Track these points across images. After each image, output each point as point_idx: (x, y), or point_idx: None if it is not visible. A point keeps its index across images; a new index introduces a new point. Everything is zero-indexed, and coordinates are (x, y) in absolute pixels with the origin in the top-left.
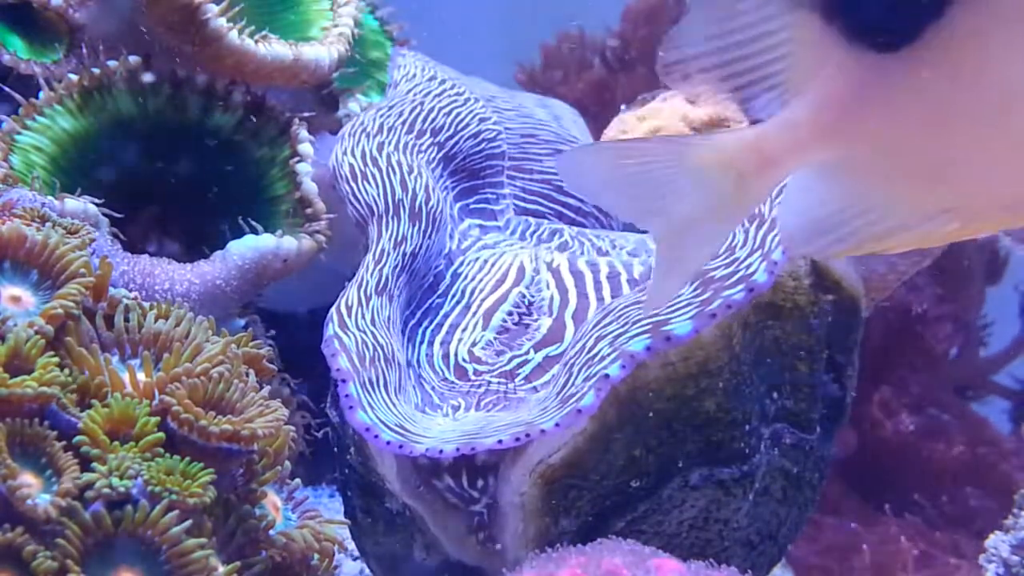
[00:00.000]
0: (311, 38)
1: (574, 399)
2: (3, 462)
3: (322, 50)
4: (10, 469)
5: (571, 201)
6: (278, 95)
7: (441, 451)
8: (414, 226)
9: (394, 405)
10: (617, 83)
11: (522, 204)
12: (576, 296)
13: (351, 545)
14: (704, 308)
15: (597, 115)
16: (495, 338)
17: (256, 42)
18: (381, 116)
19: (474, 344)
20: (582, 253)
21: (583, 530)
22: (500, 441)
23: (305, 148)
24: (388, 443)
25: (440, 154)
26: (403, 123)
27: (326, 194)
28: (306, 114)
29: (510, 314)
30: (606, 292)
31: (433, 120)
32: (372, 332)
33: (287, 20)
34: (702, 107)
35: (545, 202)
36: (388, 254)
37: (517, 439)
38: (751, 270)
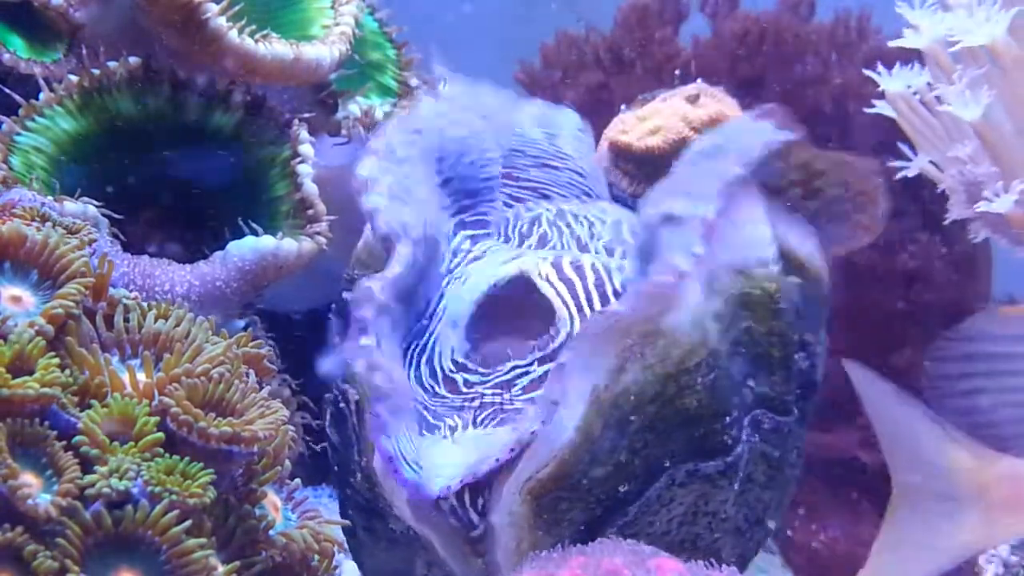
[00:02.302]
0: (312, 36)
1: (547, 398)
2: (4, 462)
3: (323, 49)
4: (11, 469)
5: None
6: (278, 95)
7: (449, 487)
8: (425, 262)
9: (411, 437)
10: (616, 82)
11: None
12: (574, 307)
13: None
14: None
15: (596, 114)
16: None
17: (256, 41)
18: (409, 143)
19: (453, 350)
20: (564, 246)
21: (575, 540)
22: (497, 460)
23: (306, 149)
24: (407, 481)
25: (442, 178)
26: (423, 152)
27: (327, 195)
28: (306, 115)
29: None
30: (595, 300)
31: (445, 148)
32: (391, 364)
33: (287, 18)
34: (702, 108)
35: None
36: (403, 279)
37: (512, 450)
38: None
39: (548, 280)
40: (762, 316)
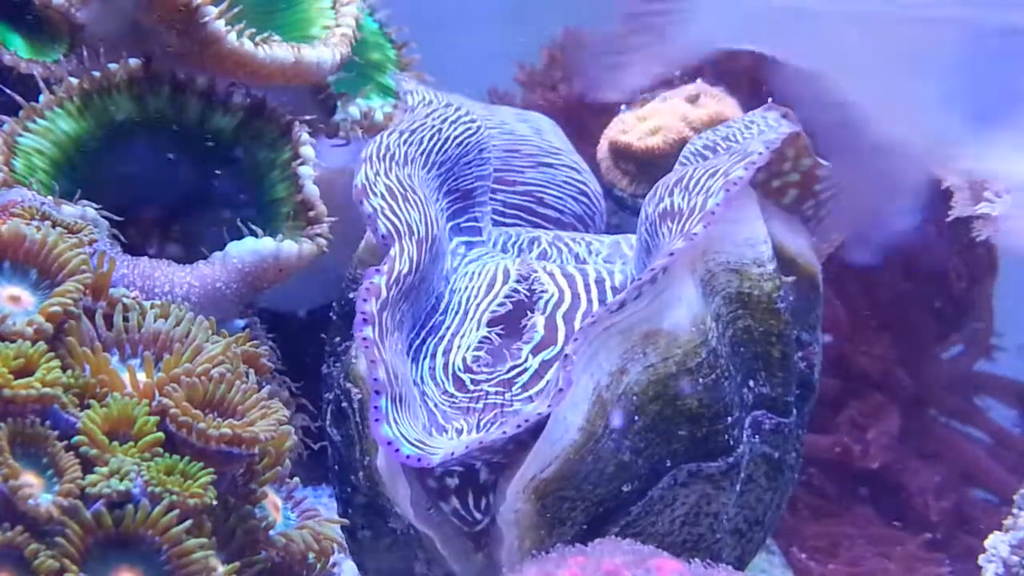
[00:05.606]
0: (312, 37)
1: (553, 386)
2: (5, 462)
3: (325, 51)
4: (12, 469)
5: (550, 213)
6: (279, 96)
7: (453, 453)
8: (429, 261)
9: (413, 426)
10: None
11: (502, 219)
12: (570, 296)
13: None
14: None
15: (596, 114)
16: (489, 332)
17: (256, 44)
18: (405, 143)
19: (469, 348)
20: (564, 261)
21: (578, 539)
22: (504, 432)
23: (307, 151)
24: (408, 457)
25: (439, 181)
26: (421, 153)
27: (326, 197)
28: (307, 116)
29: (502, 304)
30: (594, 295)
31: (444, 152)
32: (393, 359)
33: (288, 18)
34: (702, 107)
35: (525, 215)
36: (406, 276)
37: (519, 426)
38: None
39: (551, 273)
40: (760, 315)
